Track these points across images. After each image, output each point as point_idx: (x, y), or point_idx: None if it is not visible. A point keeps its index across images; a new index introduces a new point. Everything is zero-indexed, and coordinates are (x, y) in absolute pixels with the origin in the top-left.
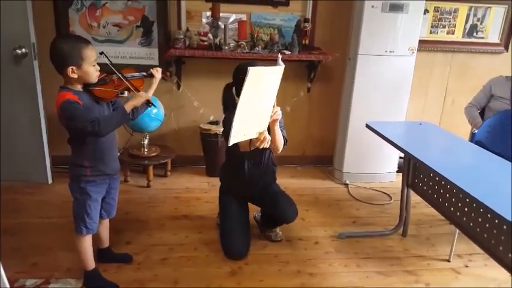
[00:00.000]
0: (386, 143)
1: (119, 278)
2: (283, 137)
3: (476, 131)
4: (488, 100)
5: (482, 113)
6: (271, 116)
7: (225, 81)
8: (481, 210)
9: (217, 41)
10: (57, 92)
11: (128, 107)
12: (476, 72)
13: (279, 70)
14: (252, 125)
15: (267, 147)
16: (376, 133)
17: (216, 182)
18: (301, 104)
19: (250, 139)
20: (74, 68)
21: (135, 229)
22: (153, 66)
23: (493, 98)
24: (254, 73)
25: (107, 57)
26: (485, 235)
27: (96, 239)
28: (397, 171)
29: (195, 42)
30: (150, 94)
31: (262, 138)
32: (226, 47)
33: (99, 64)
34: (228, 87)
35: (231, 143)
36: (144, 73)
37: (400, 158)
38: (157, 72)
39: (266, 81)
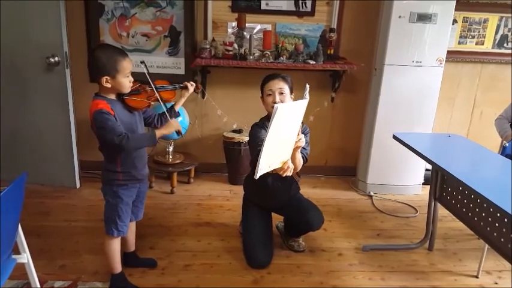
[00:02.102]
0: (412, 154)
1: (143, 283)
2: (305, 155)
3: (507, 144)
4: None
5: None
6: (295, 143)
7: (249, 90)
8: (506, 220)
9: (242, 50)
10: (92, 100)
11: (158, 134)
12: (506, 84)
13: (304, 104)
14: (277, 156)
15: (290, 175)
16: (403, 144)
17: (238, 190)
18: (324, 113)
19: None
20: (108, 78)
21: (158, 234)
22: (180, 75)
23: None
24: (281, 111)
25: (146, 67)
26: (510, 245)
27: (123, 243)
28: (423, 184)
29: (221, 52)
30: (178, 106)
31: (286, 168)
32: (251, 57)
33: (135, 73)
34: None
35: (257, 177)
36: (177, 85)
37: (427, 170)
38: (192, 86)
39: (292, 116)
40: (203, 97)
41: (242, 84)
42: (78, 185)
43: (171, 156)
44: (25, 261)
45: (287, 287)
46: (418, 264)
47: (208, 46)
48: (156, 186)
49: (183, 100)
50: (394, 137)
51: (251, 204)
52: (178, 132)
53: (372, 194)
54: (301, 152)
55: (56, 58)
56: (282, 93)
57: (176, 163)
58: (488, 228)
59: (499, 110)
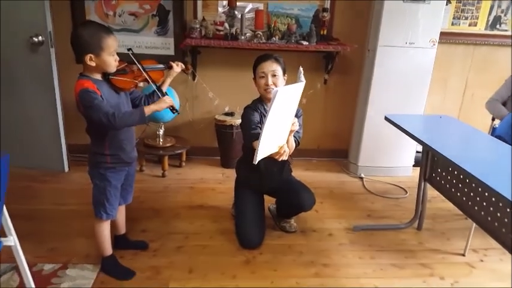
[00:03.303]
0: (403, 136)
1: (135, 265)
2: (297, 139)
3: (496, 126)
4: (510, 94)
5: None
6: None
7: (241, 71)
8: (500, 204)
9: (233, 30)
10: (76, 80)
11: (149, 111)
12: (498, 65)
13: (301, 86)
14: (275, 140)
15: (286, 159)
16: (395, 126)
17: (230, 173)
18: (317, 96)
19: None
20: (93, 56)
21: (150, 218)
22: (169, 56)
23: None
24: (280, 95)
25: (132, 53)
26: (503, 229)
27: (113, 226)
28: (414, 166)
29: (211, 31)
30: (165, 86)
31: (282, 152)
32: (243, 37)
33: (120, 54)
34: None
35: (256, 162)
36: (164, 65)
37: (417, 152)
38: (177, 66)
39: (289, 99)
40: (194, 79)
41: (234, 66)
42: (66, 169)
43: (161, 140)
44: (12, 243)
45: (278, 267)
46: (407, 243)
47: (198, 26)
48: (146, 169)
49: (169, 80)
50: (386, 119)
51: (243, 187)
52: (172, 109)
53: (362, 176)
54: (293, 136)
55: (40, 38)
56: (275, 75)
57: (167, 146)
58: (476, 208)
59: (490, 92)
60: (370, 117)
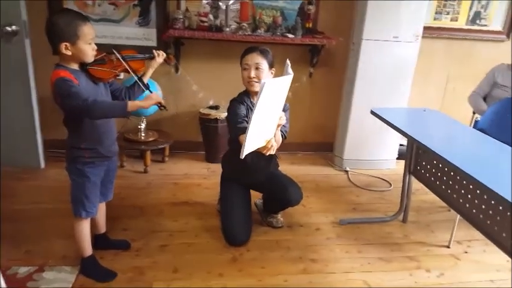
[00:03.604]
0: (387, 130)
1: (117, 265)
2: (284, 133)
3: (479, 119)
4: (491, 88)
5: (484, 101)
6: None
7: (226, 64)
8: (485, 196)
9: (217, 22)
10: (52, 70)
11: (133, 106)
12: (478, 60)
13: (289, 79)
14: (262, 134)
15: (273, 153)
16: (380, 119)
17: (215, 168)
18: (303, 89)
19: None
20: (68, 44)
21: (132, 215)
22: (150, 48)
23: (495, 86)
24: (268, 87)
25: (115, 52)
26: (488, 221)
27: (92, 224)
28: (397, 159)
29: (195, 23)
30: (147, 78)
31: (269, 146)
32: (228, 29)
33: (98, 44)
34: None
35: (243, 156)
36: (145, 55)
37: (401, 145)
38: (159, 56)
39: (277, 92)
40: (177, 71)
41: (218, 58)
42: (42, 165)
43: (143, 134)
44: None
45: (266, 264)
46: (393, 236)
47: (181, 16)
48: (128, 165)
49: (151, 71)
50: (372, 112)
51: (230, 182)
52: (160, 106)
53: (348, 169)
54: (280, 130)
55: (14, 27)
56: (258, 68)
57: (149, 141)
58: (461, 200)
59: (471, 85)
60: (355, 110)
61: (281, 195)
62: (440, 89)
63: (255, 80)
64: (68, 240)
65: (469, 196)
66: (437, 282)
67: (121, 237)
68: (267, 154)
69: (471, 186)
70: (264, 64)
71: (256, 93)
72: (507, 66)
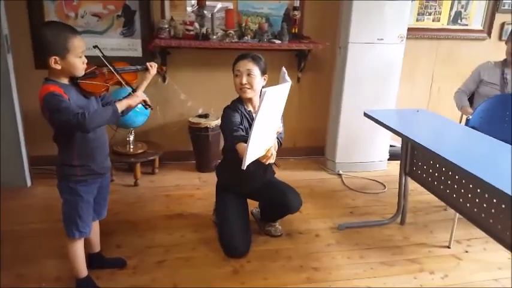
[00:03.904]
0: (377, 131)
1: (114, 285)
2: (279, 140)
3: (470, 117)
4: (477, 85)
5: (471, 99)
6: None
7: (214, 72)
8: (486, 195)
9: (204, 30)
10: (41, 85)
11: (121, 106)
12: (461, 59)
13: (287, 87)
14: (262, 143)
15: (272, 161)
16: (374, 121)
17: (207, 177)
18: (291, 94)
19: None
20: (58, 58)
21: (125, 231)
22: (136, 58)
23: (482, 84)
24: (269, 96)
25: (100, 49)
26: (484, 215)
27: (86, 244)
28: (389, 159)
29: (181, 32)
30: (141, 90)
31: (269, 155)
32: (214, 37)
33: (88, 56)
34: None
35: (244, 167)
36: (138, 67)
37: (391, 146)
38: (153, 68)
39: (277, 100)
40: (164, 81)
41: (205, 66)
42: (29, 183)
43: (132, 146)
44: None
45: (268, 275)
46: (393, 239)
47: (166, 26)
48: (117, 179)
49: (145, 83)
50: (365, 115)
51: (225, 191)
52: (146, 105)
53: (341, 172)
54: (276, 137)
55: None
56: (250, 75)
57: (138, 153)
58: (461, 199)
59: (456, 85)
60: (345, 113)
61: (280, 202)
62: (426, 89)
63: (247, 86)
64: (61, 260)
65: (469, 195)
66: (442, 283)
67: (116, 254)
68: (267, 163)
69: (471, 185)
70: (255, 70)
71: (249, 99)
72: (494, 64)
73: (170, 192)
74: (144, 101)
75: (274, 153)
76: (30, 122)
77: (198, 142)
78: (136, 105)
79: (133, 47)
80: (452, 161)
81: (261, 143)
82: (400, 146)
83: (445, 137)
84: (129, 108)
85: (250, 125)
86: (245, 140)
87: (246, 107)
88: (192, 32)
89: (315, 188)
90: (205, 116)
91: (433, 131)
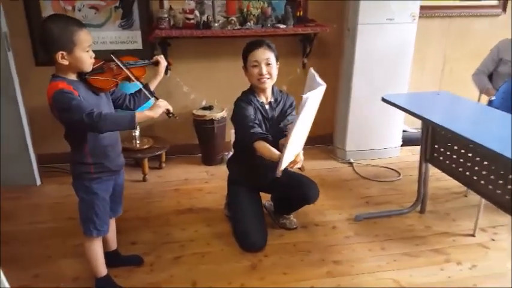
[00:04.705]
0: (389, 117)
1: (133, 283)
2: None
3: (493, 98)
4: (496, 64)
5: (489, 79)
6: None
7: (217, 62)
8: (503, 172)
9: (204, 18)
10: (49, 82)
11: (141, 118)
12: (474, 37)
13: (322, 90)
14: (295, 148)
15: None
16: (394, 106)
17: (214, 170)
18: (297, 81)
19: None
20: (64, 53)
21: (138, 228)
22: (136, 51)
23: (502, 62)
24: (311, 101)
25: (117, 57)
26: (507, 197)
27: (103, 242)
28: (401, 146)
29: (181, 21)
30: (154, 85)
31: (298, 160)
32: (216, 24)
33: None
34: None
35: (279, 174)
36: (145, 61)
37: (404, 131)
38: (163, 59)
39: (314, 105)
40: (166, 73)
41: (208, 56)
42: (38, 182)
43: (138, 141)
44: None
45: (287, 269)
46: (414, 228)
47: (166, 15)
48: (125, 175)
49: (159, 78)
50: (383, 100)
51: (238, 185)
52: (168, 113)
53: (351, 160)
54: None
55: None
56: (269, 64)
57: (145, 148)
58: (484, 182)
59: (468, 65)
60: (355, 99)
61: (297, 193)
62: (437, 70)
63: (267, 76)
64: (77, 259)
65: (492, 176)
66: (472, 275)
67: (131, 251)
68: (293, 168)
69: (493, 167)
70: (272, 58)
71: (263, 90)
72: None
73: (179, 187)
74: (167, 110)
75: (302, 158)
76: (36, 120)
77: (203, 135)
78: (158, 115)
79: (133, 39)
80: (480, 143)
81: (294, 148)
82: (412, 131)
83: (470, 119)
84: (140, 102)
85: (264, 117)
86: (263, 137)
87: (258, 98)
88: (192, 21)
89: (326, 178)
90: (210, 108)
91: (457, 114)
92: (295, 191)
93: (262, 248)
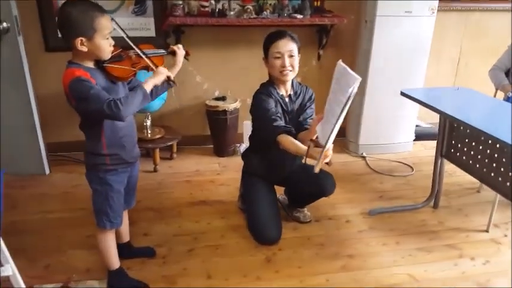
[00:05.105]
0: (403, 111)
1: (145, 275)
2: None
3: (510, 94)
4: None
5: (507, 76)
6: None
7: (231, 51)
8: None
9: (219, 6)
10: (65, 69)
11: (148, 85)
12: (490, 32)
13: (356, 83)
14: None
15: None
16: (414, 101)
17: (226, 162)
18: (312, 73)
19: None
20: (84, 39)
21: (150, 219)
22: (149, 38)
23: None
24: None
25: (122, 29)
26: None
27: (115, 234)
28: (414, 140)
29: (195, 8)
30: (173, 74)
31: (328, 154)
32: (232, 13)
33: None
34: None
35: (317, 170)
36: (163, 50)
37: (417, 126)
38: (180, 49)
39: (344, 91)
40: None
41: (222, 45)
42: (47, 171)
43: (149, 131)
44: (10, 273)
45: (302, 263)
46: (427, 224)
47: (180, 2)
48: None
49: (177, 68)
50: (402, 94)
51: (254, 178)
52: (169, 80)
53: (364, 155)
54: (308, 124)
55: (5, 24)
56: (292, 56)
57: (156, 138)
58: (501, 179)
59: (484, 60)
60: (370, 92)
61: (315, 186)
62: (453, 65)
63: (290, 68)
64: (89, 251)
65: (510, 173)
66: (485, 270)
67: (143, 243)
68: (321, 162)
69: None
70: (295, 50)
71: (283, 82)
72: None
73: (191, 178)
74: (168, 77)
75: (331, 153)
76: (44, 108)
77: (216, 126)
78: (161, 81)
79: (146, 26)
80: (499, 137)
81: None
82: (426, 126)
83: (489, 114)
84: (157, 92)
85: (284, 111)
86: (287, 131)
87: (278, 90)
88: (207, 8)
89: (339, 172)
90: (223, 98)
91: (476, 110)
92: (312, 184)
93: (277, 241)
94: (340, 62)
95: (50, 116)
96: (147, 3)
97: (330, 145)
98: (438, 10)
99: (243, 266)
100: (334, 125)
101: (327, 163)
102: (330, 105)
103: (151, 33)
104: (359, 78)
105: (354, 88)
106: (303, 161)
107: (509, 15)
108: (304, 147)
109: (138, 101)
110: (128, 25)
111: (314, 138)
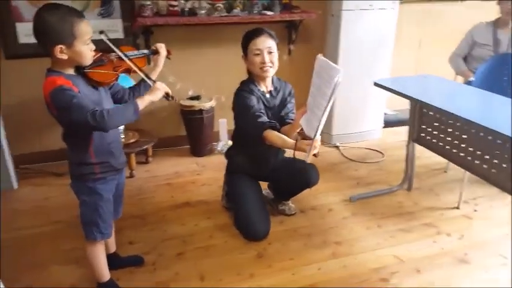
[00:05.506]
0: (372, 100)
1: (137, 284)
2: (291, 120)
3: (473, 79)
4: (470, 48)
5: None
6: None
7: (202, 49)
8: (497, 151)
9: (189, 5)
10: (45, 78)
11: (144, 102)
12: (447, 21)
13: (337, 73)
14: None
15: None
16: (388, 90)
17: (205, 162)
18: (283, 68)
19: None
20: (63, 47)
21: (134, 226)
22: (118, 40)
23: (476, 46)
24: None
25: (106, 34)
26: (493, 170)
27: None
28: (383, 127)
29: (164, 8)
30: (155, 75)
31: (316, 145)
32: (203, 11)
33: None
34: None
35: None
36: (145, 51)
37: (385, 114)
38: (162, 48)
39: (327, 82)
40: (149, 63)
41: (192, 44)
42: (15, 185)
43: (123, 136)
44: None
45: (293, 255)
46: (404, 205)
47: (149, 3)
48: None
49: (158, 69)
50: (376, 84)
51: (239, 175)
52: (168, 96)
53: (338, 144)
54: (290, 118)
55: None
56: (271, 52)
57: (131, 143)
58: (470, 158)
59: (442, 48)
60: (339, 84)
61: (300, 178)
62: (413, 54)
63: (269, 65)
64: (70, 266)
65: (478, 152)
66: (461, 244)
67: (130, 252)
68: (311, 153)
69: (483, 144)
70: (274, 46)
71: (263, 79)
72: (485, 24)
73: (171, 181)
74: (166, 93)
75: (319, 144)
76: (10, 119)
77: (192, 126)
78: (159, 98)
79: (113, 27)
80: (469, 118)
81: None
82: (393, 113)
83: (455, 97)
84: (141, 93)
85: (266, 107)
86: (272, 126)
87: (259, 87)
88: (176, 8)
89: (316, 162)
90: (197, 97)
91: (446, 95)
92: (297, 176)
93: (266, 236)
94: (319, 56)
95: (14, 127)
96: (113, 4)
97: (318, 136)
98: (400, 2)
99: (235, 264)
100: (322, 117)
101: (314, 154)
102: (314, 98)
103: (120, 34)
104: (340, 69)
105: (338, 79)
106: (292, 154)
107: (463, 5)
108: (292, 141)
109: (127, 115)
110: (94, 28)
111: (299, 131)
